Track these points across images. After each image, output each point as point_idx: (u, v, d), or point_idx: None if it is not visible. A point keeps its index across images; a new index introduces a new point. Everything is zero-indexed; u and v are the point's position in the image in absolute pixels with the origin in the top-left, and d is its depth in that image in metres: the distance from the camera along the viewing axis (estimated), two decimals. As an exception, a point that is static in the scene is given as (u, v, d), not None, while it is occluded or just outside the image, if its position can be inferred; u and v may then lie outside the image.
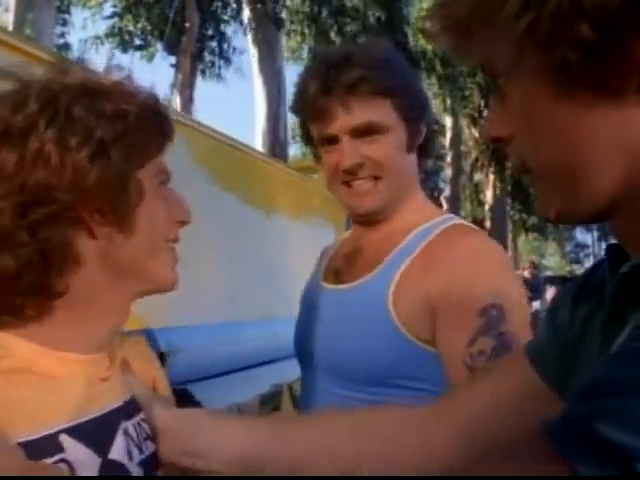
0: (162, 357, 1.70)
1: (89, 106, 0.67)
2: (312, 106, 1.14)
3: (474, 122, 16.14)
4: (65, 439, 0.65)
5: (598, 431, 0.39)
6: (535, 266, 11.57)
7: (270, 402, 2.72)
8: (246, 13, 12.32)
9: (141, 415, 0.78)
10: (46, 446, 0.63)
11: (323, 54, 1.23)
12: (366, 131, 1.12)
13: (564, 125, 0.50)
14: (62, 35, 15.01)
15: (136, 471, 0.73)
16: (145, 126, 0.71)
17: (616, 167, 0.49)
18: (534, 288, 10.12)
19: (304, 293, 1.32)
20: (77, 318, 0.71)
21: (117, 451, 0.71)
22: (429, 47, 15.05)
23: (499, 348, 0.99)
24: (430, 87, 15.03)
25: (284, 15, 12.93)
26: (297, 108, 1.20)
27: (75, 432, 0.66)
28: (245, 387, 2.59)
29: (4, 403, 0.62)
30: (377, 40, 1.24)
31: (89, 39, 12.35)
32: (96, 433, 0.69)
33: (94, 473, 0.67)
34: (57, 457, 0.64)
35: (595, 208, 0.52)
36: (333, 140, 1.14)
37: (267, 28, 12.04)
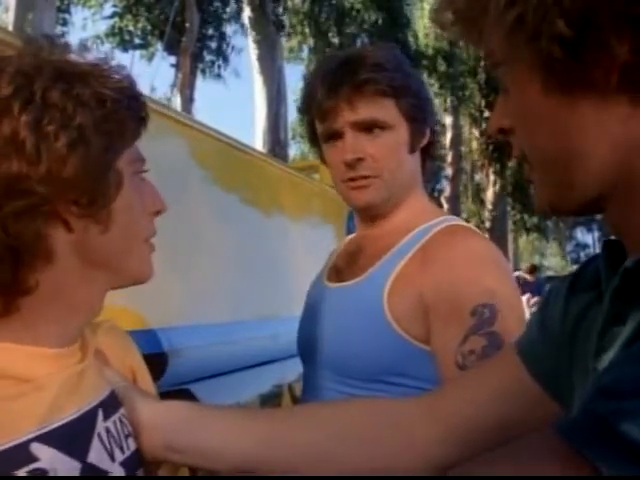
0: (164, 357, 1.70)
1: (66, 90, 0.61)
2: (319, 107, 1.17)
3: (475, 122, 16.16)
4: (38, 447, 0.60)
5: (624, 432, 0.38)
6: (536, 269, 11.56)
7: (271, 402, 2.72)
8: (246, 13, 12.34)
9: (121, 411, 0.73)
10: (17, 456, 0.58)
11: (331, 56, 1.27)
12: (368, 126, 1.15)
13: (553, 116, 0.52)
14: (62, 35, 15.02)
15: (118, 472, 0.69)
16: (122, 112, 0.66)
17: (603, 157, 0.50)
18: (535, 290, 10.12)
19: (308, 291, 1.34)
20: (46, 313, 0.66)
21: (96, 453, 0.66)
22: (430, 46, 15.11)
23: (489, 347, 1.00)
24: (431, 86, 15.06)
25: (284, 16, 12.96)
26: (305, 109, 1.24)
27: (48, 438, 0.61)
28: (246, 387, 2.59)
29: None
30: (385, 44, 1.27)
31: (89, 39, 12.37)
32: (72, 437, 0.64)
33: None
34: (31, 467, 0.59)
35: (587, 198, 0.53)
36: (338, 135, 1.17)
37: (267, 28, 12.06)
